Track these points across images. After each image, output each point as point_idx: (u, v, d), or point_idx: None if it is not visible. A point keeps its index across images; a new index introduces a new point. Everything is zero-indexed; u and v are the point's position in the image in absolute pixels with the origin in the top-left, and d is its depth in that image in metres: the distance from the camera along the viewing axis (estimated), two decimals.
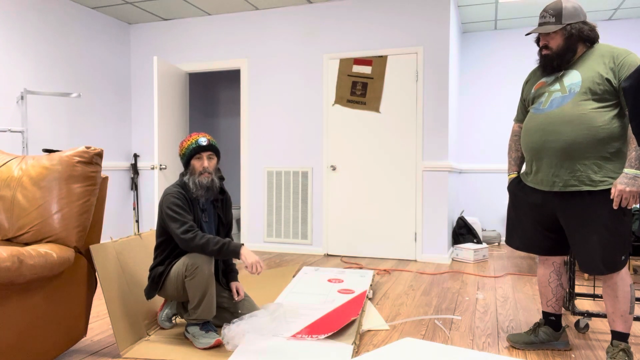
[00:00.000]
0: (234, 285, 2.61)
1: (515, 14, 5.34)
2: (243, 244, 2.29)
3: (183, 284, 2.33)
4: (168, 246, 2.43)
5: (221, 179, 2.53)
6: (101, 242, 3.92)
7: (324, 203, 4.96)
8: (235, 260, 4.47)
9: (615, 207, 1.97)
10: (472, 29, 5.88)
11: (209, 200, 2.53)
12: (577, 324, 2.60)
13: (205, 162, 2.43)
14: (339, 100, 4.90)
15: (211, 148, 2.46)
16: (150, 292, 2.41)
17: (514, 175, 2.38)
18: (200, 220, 2.46)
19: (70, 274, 2.11)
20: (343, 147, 4.90)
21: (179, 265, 2.33)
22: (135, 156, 5.74)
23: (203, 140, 2.45)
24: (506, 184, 5.89)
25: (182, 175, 2.48)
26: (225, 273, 2.66)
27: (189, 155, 2.44)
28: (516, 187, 2.32)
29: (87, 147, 2.17)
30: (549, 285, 2.32)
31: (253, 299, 3.05)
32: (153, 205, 5.71)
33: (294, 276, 3.71)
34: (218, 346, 2.33)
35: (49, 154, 2.18)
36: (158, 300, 2.73)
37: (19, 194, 2.08)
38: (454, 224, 5.39)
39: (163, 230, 2.42)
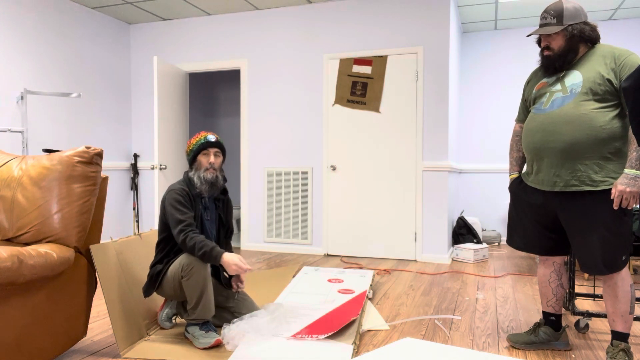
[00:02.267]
0: (242, 276, 2.59)
1: (515, 14, 5.34)
2: (224, 252, 2.28)
3: (180, 284, 2.33)
4: (168, 244, 2.44)
5: (224, 179, 2.54)
6: (101, 242, 3.92)
7: (324, 203, 4.96)
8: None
9: (615, 208, 1.98)
10: (472, 29, 5.88)
11: (211, 199, 2.54)
12: (577, 324, 2.60)
13: (211, 158, 2.47)
14: (339, 100, 4.90)
15: (219, 145, 2.52)
16: (147, 290, 2.42)
17: (515, 176, 2.38)
18: (202, 217, 2.47)
19: (70, 274, 2.11)
20: (343, 147, 4.90)
21: (175, 265, 2.33)
22: (135, 156, 5.74)
23: (211, 137, 2.52)
24: (506, 184, 5.89)
25: (187, 171, 2.51)
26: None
27: (196, 151, 2.49)
28: (517, 187, 2.32)
29: (87, 147, 2.17)
30: (549, 285, 2.32)
31: (253, 299, 3.05)
32: (153, 205, 5.71)
33: (294, 276, 3.71)
34: (218, 346, 2.33)
35: (49, 154, 2.18)
36: (158, 300, 2.73)
37: (19, 194, 2.08)
38: (454, 224, 5.39)
39: (164, 227, 2.44)
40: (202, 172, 2.45)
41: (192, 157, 2.50)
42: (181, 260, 2.30)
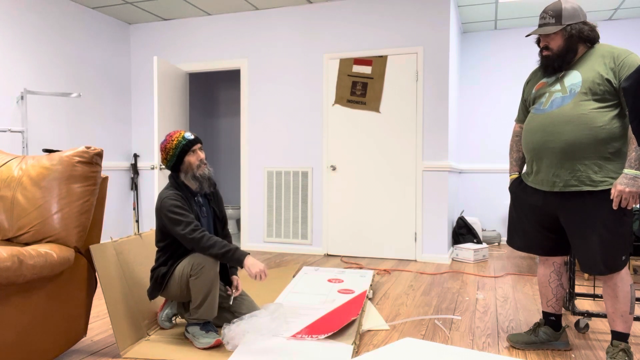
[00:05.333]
0: (234, 279, 2.60)
1: (515, 14, 5.34)
2: (249, 253, 2.29)
3: (187, 284, 2.32)
4: (170, 249, 2.41)
5: None
6: (101, 242, 3.92)
7: (324, 203, 4.96)
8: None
9: (614, 208, 1.98)
10: (472, 29, 5.88)
11: (202, 195, 2.53)
12: (577, 324, 2.61)
13: (200, 155, 2.45)
14: (339, 100, 4.90)
15: (200, 140, 2.49)
16: (153, 293, 2.41)
17: (515, 176, 2.38)
18: (199, 216, 2.46)
19: (70, 274, 2.11)
20: (343, 147, 4.90)
21: (184, 265, 2.32)
22: (135, 156, 5.74)
23: (189, 135, 2.45)
24: (506, 184, 5.89)
25: (174, 177, 2.45)
26: (228, 266, 2.65)
27: (180, 154, 2.41)
28: (517, 188, 2.32)
29: (87, 147, 2.17)
30: (549, 285, 2.33)
31: (253, 299, 3.05)
32: (153, 205, 5.71)
33: (294, 276, 3.71)
34: (218, 346, 2.33)
35: (49, 154, 2.18)
36: (158, 300, 2.73)
37: (19, 194, 2.08)
38: (454, 224, 5.39)
39: (163, 235, 2.40)
40: (196, 171, 2.42)
41: (177, 160, 2.41)
42: (191, 259, 2.29)
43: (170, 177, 2.47)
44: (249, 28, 5.27)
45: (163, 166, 4.82)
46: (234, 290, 2.58)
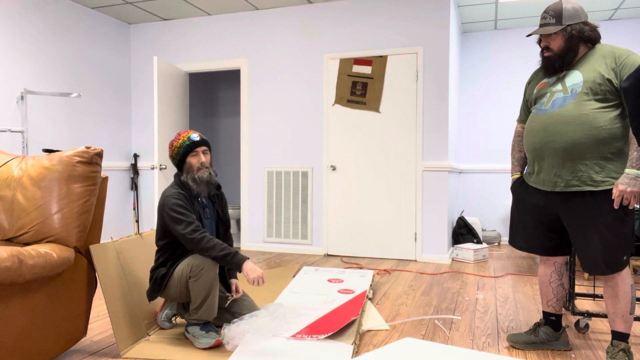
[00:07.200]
0: (233, 282, 2.60)
1: (515, 14, 5.34)
2: (248, 258, 2.28)
3: (186, 285, 2.32)
4: (170, 248, 2.41)
5: (215, 174, 2.53)
6: (101, 242, 3.92)
7: (324, 203, 4.96)
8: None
9: (616, 207, 1.98)
10: (472, 29, 5.88)
11: (207, 197, 2.53)
12: (577, 324, 2.60)
13: (202, 158, 2.43)
14: (339, 100, 4.90)
15: (205, 143, 2.47)
16: (152, 294, 2.40)
17: (517, 176, 2.38)
18: (201, 217, 2.46)
19: (70, 274, 2.11)
20: (343, 147, 4.90)
21: (183, 266, 2.32)
22: (135, 156, 5.74)
23: (195, 136, 2.44)
24: (506, 184, 5.89)
25: (178, 175, 2.46)
26: (227, 269, 2.65)
27: (183, 154, 2.42)
28: (519, 188, 2.32)
29: (87, 147, 2.17)
30: (550, 285, 2.32)
31: (253, 299, 3.05)
32: (153, 205, 5.71)
33: (294, 276, 3.71)
34: (218, 346, 2.33)
35: (49, 154, 2.18)
36: (158, 300, 2.73)
37: (19, 194, 2.07)
38: (454, 224, 5.39)
39: (164, 234, 2.40)
40: (195, 174, 2.41)
41: (180, 160, 2.43)
42: (190, 261, 2.29)
43: (175, 175, 2.49)
44: (248, 28, 5.27)
45: (164, 166, 4.82)
46: (234, 294, 2.57)
